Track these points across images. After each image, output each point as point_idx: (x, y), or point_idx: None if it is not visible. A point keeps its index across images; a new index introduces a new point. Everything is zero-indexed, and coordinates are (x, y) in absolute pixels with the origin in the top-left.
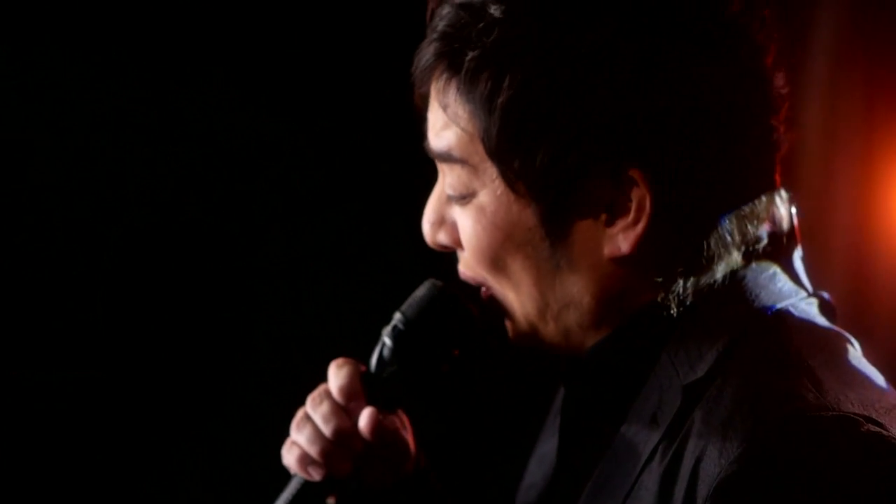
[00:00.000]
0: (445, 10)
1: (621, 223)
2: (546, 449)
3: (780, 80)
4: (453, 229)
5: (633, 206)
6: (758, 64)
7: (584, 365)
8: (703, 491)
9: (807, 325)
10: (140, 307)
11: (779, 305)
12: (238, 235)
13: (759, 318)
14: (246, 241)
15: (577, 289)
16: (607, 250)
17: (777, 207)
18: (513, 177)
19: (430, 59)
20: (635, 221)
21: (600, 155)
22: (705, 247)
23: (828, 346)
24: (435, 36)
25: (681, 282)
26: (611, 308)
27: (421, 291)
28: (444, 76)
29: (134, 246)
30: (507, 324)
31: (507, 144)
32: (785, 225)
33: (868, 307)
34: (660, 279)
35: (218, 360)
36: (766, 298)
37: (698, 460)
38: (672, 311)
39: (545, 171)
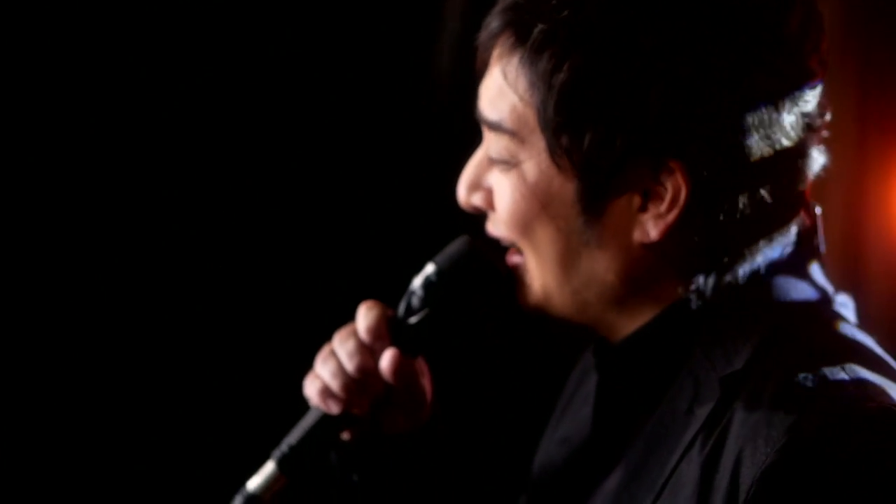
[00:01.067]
0: None
1: (654, 210)
2: (568, 432)
3: (823, 108)
4: (488, 194)
5: (669, 196)
6: (805, 87)
7: (618, 354)
8: (747, 479)
9: (836, 322)
10: (145, 306)
11: (809, 302)
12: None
13: (791, 314)
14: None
15: (601, 267)
16: (637, 234)
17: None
18: (560, 152)
19: (498, 25)
20: (668, 210)
21: (646, 144)
22: (731, 246)
23: (858, 342)
24: (506, 5)
25: (702, 277)
26: (631, 290)
27: (455, 245)
28: (510, 44)
29: (138, 245)
30: (524, 289)
31: (560, 120)
32: (807, 222)
33: (861, 307)
34: (682, 271)
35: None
36: (796, 294)
37: (742, 450)
38: (693, 305)
39: (592, 150)
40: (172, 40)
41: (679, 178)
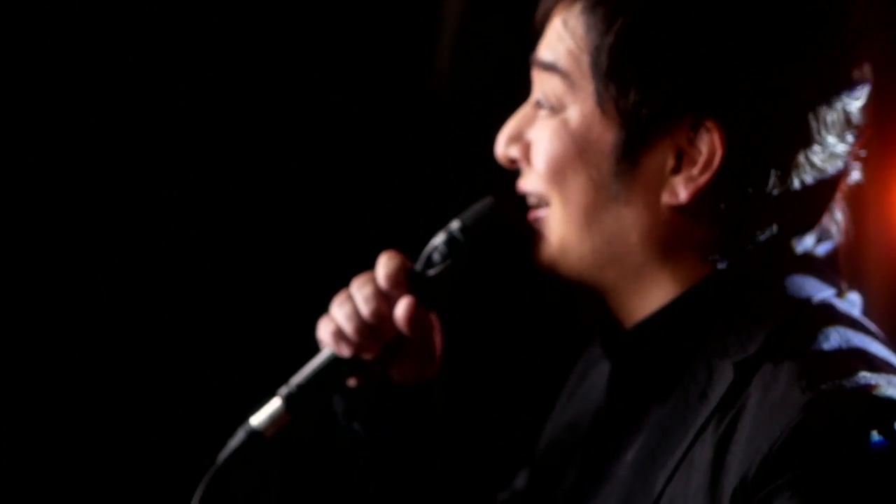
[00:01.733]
0: None
1: (686, 172)
2: (576, 416)
3: (861, 111)
4: (526, 147)
5: (703, 158)
6: (850, 78)
7: (632, 340)
8: (759, 455)
9: (849, 317)
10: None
11: (822, 296)
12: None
13: (805, 305)
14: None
15: (625, 224)
16: (666, 195)
17: (833, 213)
18: (606, 97)
19: None
20: (701, 172)
21: (689, 99)
22: (753, 227)
23: (870, 334)
24: None
25: (721, 251)
26: (651, 257)
27: (480, 205)
28: None
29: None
30: (541, 246)
31: (611, 65)
32: (835, 229)
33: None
34: (703, 245)
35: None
36: (810, 289)
37: (755, 430)
38: (709, 292)
39: (638, 99)
40: (170, 38)
41: (716, 140)
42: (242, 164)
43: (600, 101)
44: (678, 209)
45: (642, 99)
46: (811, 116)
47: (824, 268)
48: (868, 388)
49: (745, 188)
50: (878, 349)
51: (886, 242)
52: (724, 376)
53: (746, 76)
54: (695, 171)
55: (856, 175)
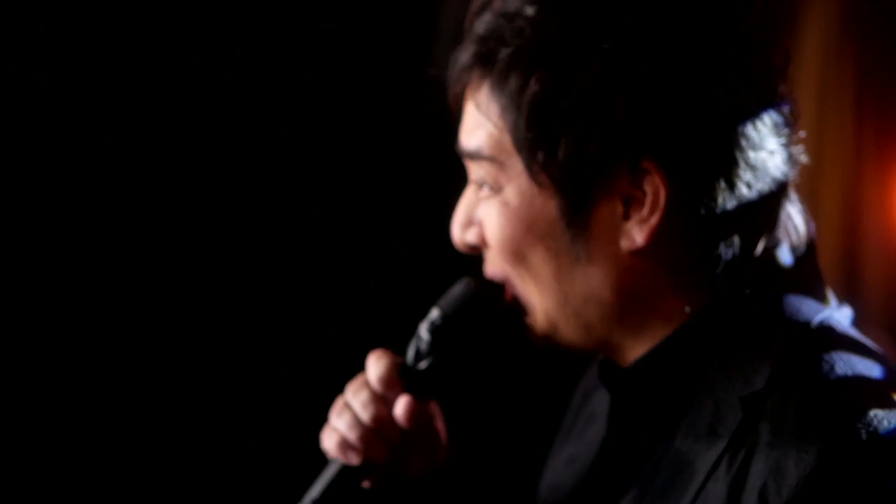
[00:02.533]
0: (485, 17)
1: (637, 216)
2: (575, 451)
3: (790, 101)
4: (480, 229)
5: (649, 199)
6: (769, 80)
7: (631, 377)
8: (776, 501)
9: (849, 337)
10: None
11: (819, 318)
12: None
13: (805, 330)
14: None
15: (596, 282)
16: (624, 243)
17: (792, 218)
18: (537, 169)
19: (466, 60)
20: (650, 213)
21: (619, 148)
22: (722, 249)
23: (871, 355)
24: (472, 39)
25: (699, 283)
26: (630, 305)
27: (457, 288)
28: (478, 75)
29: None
30: (529, 321)
31: (532, 137)
32: (802, 234)
33: (860, 308)
34: (676, 279)
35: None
36: (807, 311)
37: (771, 471)
38: (701, 323)
39: (567, 162)
40: (169, 37)
41: (656, 179)
42: (244, 165)
43: (533, 175)
44: (640, 254)
45: (572, 160)
46: (742, 129)
47: (811, 279)
48: (880, 434)
49: (697, 214)
50: (881, 373)
51: (886, 242)
52: (733, 411)
53: (669, 109)
54: (644, 212)
55: (799, 159)
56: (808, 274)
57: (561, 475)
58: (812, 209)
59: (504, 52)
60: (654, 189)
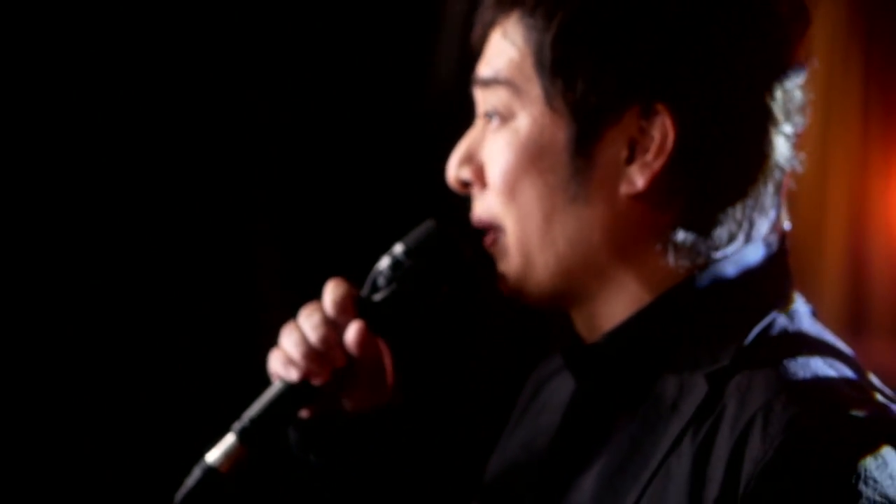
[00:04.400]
0: None
1: (641, 160)
2: (528, 437)
3: (805, 104)
4: (478, 167)
5: (656, 143)
6: (788, 65)
7: (600, 351)
8: (744, 475)
9: (816, 327)
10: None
11: (791, 306)
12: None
13: (774, 316)
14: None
15: (587, 224)
16: (624, 186)
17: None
18: (555, 93)
19: None
20: (655, 157)
21: (637, 85)
22: (711, 213)
23: (836, 345)
24: None
25: (684, 251)
26: (616, 254)
27: (421, 228)
28: (508, 6)
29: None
30: (503, 269)
31: (555, 60)
32: (777, 229)
33: (863, 308)
34: (665, 239)
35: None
36: (778, 295)
37: (736, 444)
38: (682, 292)
39: (585, 91)
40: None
41: (667, 123)
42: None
43: (548, 99)
44: (637, 198)
45: (590, 88)
46: (757, 93)
47: (781, 274)
48: (847, 410)
49: (699, 171)
50: (847, 359)
51: (889, 241)
52: (697, 387)
53: (691, 57)
54: (649, 157)
55: (793, 161)
56: (779, 269)
57: (514, 461)
58: (817, 207)
59: None
60: (663, 133)
